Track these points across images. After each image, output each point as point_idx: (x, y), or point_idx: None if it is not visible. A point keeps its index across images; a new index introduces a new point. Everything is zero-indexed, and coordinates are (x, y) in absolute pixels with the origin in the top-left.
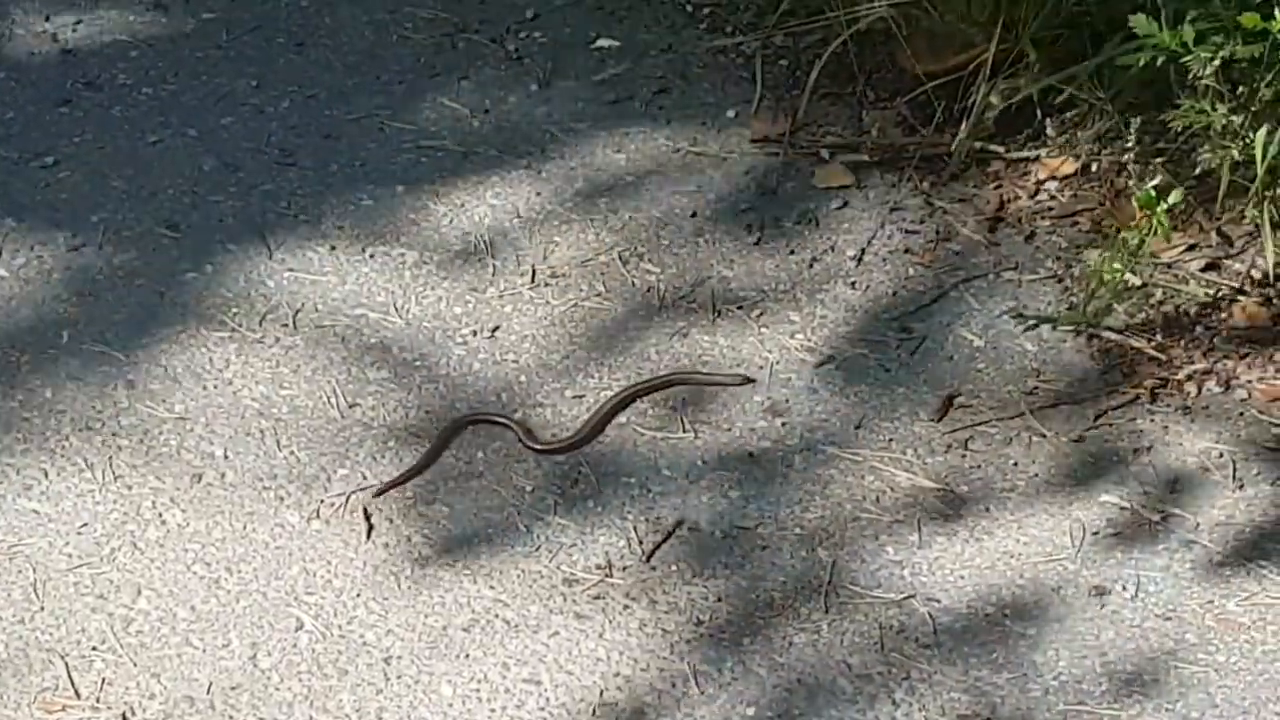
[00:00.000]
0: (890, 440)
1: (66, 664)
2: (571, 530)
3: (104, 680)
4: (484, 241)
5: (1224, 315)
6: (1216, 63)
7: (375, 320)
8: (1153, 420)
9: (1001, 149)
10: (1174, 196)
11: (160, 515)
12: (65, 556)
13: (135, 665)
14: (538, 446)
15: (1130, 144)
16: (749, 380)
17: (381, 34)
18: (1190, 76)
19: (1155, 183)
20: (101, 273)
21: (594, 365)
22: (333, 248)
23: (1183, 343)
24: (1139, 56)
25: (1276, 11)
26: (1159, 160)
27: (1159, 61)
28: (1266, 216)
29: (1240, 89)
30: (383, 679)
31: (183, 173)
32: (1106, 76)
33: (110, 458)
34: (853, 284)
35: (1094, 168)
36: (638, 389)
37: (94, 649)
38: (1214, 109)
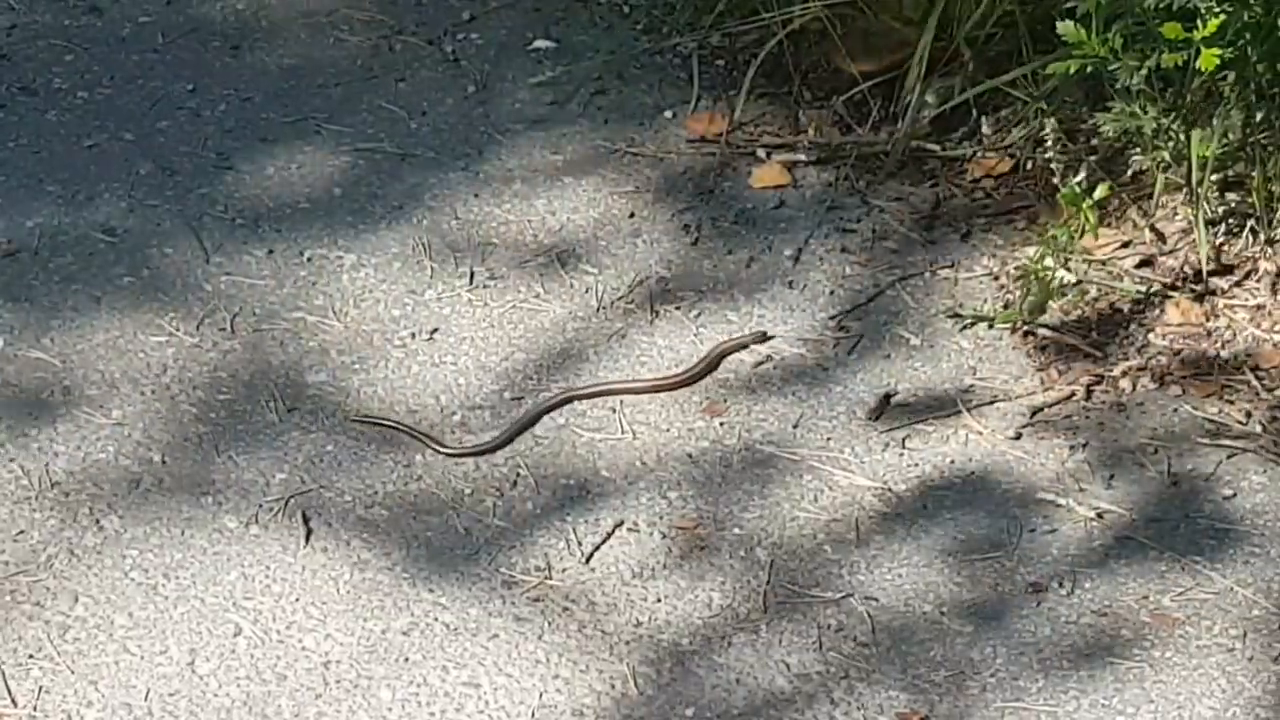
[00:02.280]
0: (828, 439)
1: (3, 672)
2: (510, 532)
3: (41, 688)
4: (422, 244)
5: (1158, 311)
6: (1144, 72)
7: (313, 323)
8: (1088, 417)
9: (937, 147)
10: (1099, 192)
11: (98, 521)
12: (1, 564)
13: (73, 673)
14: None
15: (1051, 144)
16: (767, 336)
17: (318, 37)
18: (1119, 82)
19: (1081, 179)
20: (38, 278)
21: (532, 367)
22: (270, 251)
23: (1117, 339)
24: (1068, 64)
25: (1198, 21)
26: (1093, 159)
27: (1088, 69)
28: (1199, 214)
29: (1170, 90)
30: (321, 684)
31: (119, 177)
32: (1041, 75)
33: (47, 464)
34: (790, 283)
35: (1029, 165)
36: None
37: (31, 657)
38: (1145, 111)
